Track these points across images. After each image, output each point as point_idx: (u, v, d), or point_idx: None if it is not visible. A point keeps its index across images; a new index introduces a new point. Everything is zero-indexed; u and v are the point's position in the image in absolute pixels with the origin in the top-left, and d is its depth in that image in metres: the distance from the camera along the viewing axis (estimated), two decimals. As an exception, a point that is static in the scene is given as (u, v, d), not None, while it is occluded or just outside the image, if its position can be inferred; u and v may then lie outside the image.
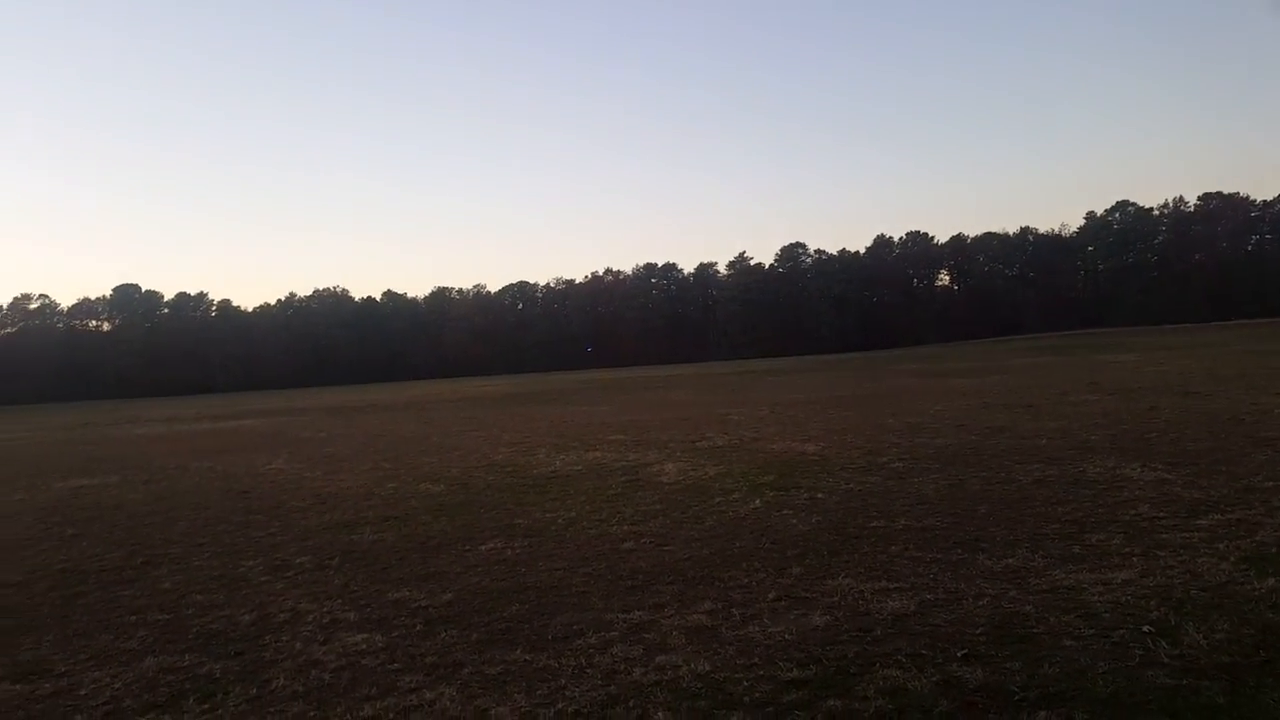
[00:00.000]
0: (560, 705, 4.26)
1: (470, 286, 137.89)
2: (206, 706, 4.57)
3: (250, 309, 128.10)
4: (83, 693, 4.89)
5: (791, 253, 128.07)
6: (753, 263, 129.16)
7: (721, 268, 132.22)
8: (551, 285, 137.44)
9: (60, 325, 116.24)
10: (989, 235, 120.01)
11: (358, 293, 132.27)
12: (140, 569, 8.03)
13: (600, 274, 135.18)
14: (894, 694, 4.14)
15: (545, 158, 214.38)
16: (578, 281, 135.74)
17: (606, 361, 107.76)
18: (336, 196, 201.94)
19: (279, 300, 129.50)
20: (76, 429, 34.26)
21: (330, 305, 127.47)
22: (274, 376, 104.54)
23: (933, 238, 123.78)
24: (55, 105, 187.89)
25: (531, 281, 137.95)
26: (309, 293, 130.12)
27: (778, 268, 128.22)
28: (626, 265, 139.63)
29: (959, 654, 4.60)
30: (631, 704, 4.22)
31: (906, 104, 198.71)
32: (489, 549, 7.97)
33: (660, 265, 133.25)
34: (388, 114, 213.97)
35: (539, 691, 4.45)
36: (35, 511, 12.00)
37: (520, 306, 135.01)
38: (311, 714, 4.38)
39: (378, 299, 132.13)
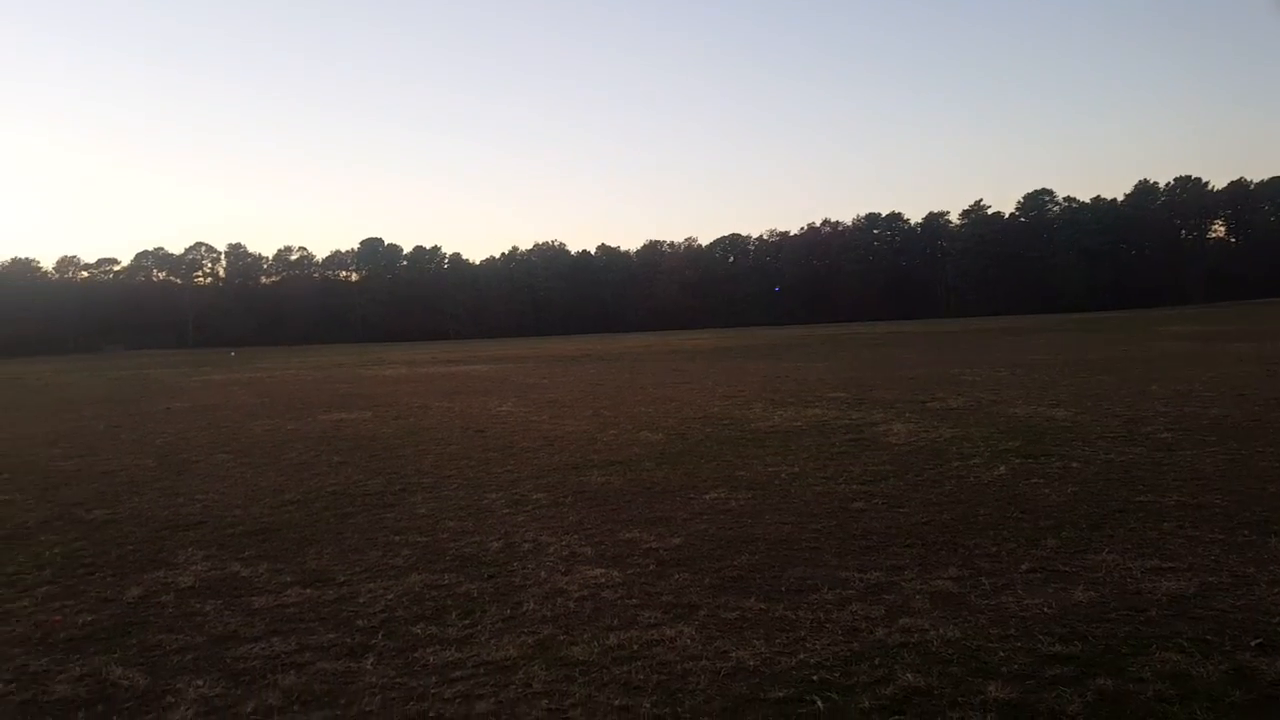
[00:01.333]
0: (801, 656, 4.29)
1: (681, 240, 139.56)
2: (467, 622, 5.04)
3: (478, 261, 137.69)
4: (361, 601, 5.54)
5: (1036, 200, 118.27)
6: (990, 211, 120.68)
7: (954, 217, 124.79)
8: (764, 238, 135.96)
9: (316, 275, 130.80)
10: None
11: (574, 246, 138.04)
12: (398, 495, 8.96)
13: (817, 225, 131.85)
14: (1175, 679, 3.79)
15: (760, 102, 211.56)
16: (792, 233, 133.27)
17: (822, 317, 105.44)
18: (556, 151, 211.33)
19: (503, 254, 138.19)
20: (331, 369, 38.59)
21: (548, 258, 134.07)
22: (497, 325, 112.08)
23: (1207, 183, 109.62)
24: (322, 95, 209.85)
25: (743, 234, 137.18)
26: (529, 246, 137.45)
27: (1019, 217, 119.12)
28: (846, 215, 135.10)
29: (1252, 643, 4.13)
30: (877, 662, 4.16)
31: (1177, 20, 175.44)
32: (712, 498, 8.14)
33: (884, 215, 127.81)
34: (607, 69, 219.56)
35: (778, 640, 4.51)
36: (305, 440, 13.68)
37: (731, 260, 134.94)
38: (561, 637, 4.72)
39: (592, 252, 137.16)
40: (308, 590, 5.80)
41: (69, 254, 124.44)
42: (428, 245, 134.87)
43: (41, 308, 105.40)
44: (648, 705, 3.83)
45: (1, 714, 4.00)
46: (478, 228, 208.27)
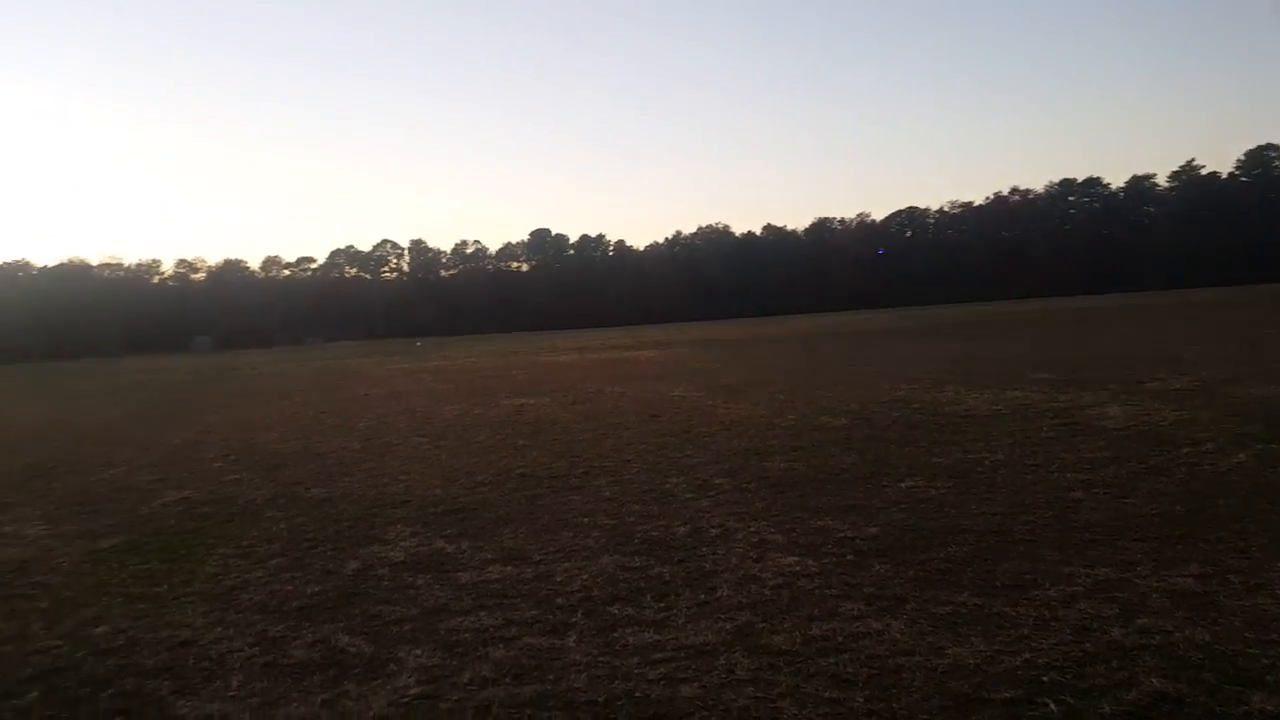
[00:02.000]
0: (1027, 655, 4.04)
1: (853, 215, 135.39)
2: (663, 605, 5.11)
3: (642, 248, 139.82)
4: (558, 579, 5.75)
5: (1260, 158, 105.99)
6: (1204, 172, 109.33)
7: (1161, 180, 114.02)
8: (945, 209, 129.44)
9: (490, 267, 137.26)
10: None
11: (738, 228, 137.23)
12: (582, 478, 9.23)
13: (1004, 194, 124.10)
14: None
15: (934, 58, 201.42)
16: (976, 203, 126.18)
17: (1013, 292, 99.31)
18: (717, 132, 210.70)
19: (666, 238, 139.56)
20: (508, 356, 40.38)
21: (712, 241, 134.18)
22: (662, 310, 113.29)
23: None
24: (488, 94, 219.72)
25: (921, 206, 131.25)
26: (693, 230, 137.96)
27: (1239, 177, 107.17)
28: (1036, 182, 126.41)
29: None
30: (1114, 664, 3.86)
31: None
32: (908, 486, 7.83)
33: (1080, 180, 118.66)
34: (767, 40, 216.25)
35: (999, 638, 4.27)
36: (491, 424, 14.37)
37: (909, 234, 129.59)
38: (760, 625, 4.69)
39: (757, 233, 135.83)
40: (507, 568, 6.08)
41: (272, 254, 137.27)
42: (593, 234, 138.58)
43: (249, 304, 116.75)
44: (860, 700, 3.73)
45: (249, 675, 4.44)
46: (641, 214, 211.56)
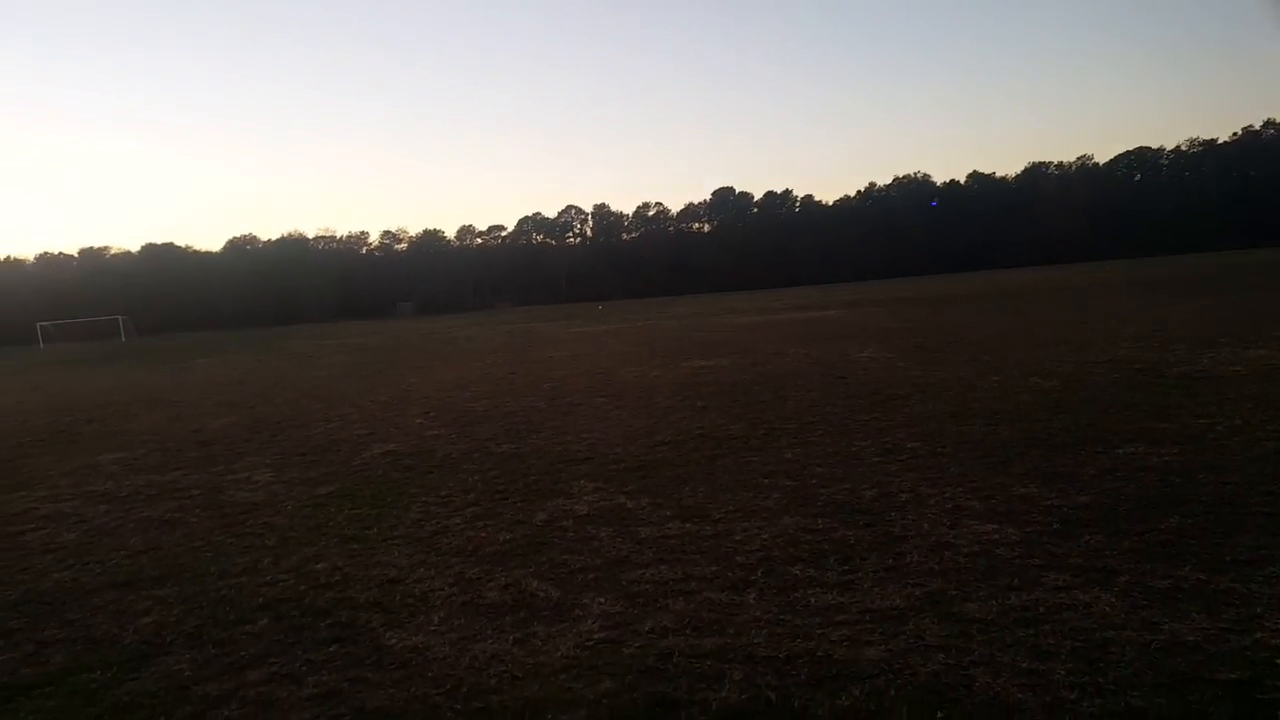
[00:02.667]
0: (1258, 635, 3.72)
1: (1073, 159, 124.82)
2: (847, 568, 5.06)
3: (830, 203, 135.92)
4: (738, 538, 5.81)
5: None
6: None
7: None
8: (1182, 148, 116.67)
9: (671, 229, 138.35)
10: None
11: (939, 177, 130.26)
12: (763, 440, 9.22)
13: (1256, 129, 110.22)
14: None
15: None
16: (1220, 140, 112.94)
17: (1266, 239, 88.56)
18: (914, 69, 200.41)
19: (858, 192, 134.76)
20: (687, 318, 40.69)
21: (910, 192, 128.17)
22: (851, 268, 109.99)
23: None
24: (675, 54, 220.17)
25: (1153, 146, 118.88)
26: (888, 181, 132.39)
27: None
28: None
29: None
30: None
31: None
32: (1127, 453, 7.28)
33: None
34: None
35: (1225, 616, 3.94)
36: (670, 386, 14.59)
37: (1138, 178, 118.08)
38: (953, 592, 4.55)
39: (961, 181, 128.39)
40: (687, 525, 6.21)
41: (466, 223, 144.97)
42: (778, 190, 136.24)
43: (445, 271, 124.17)
44: (1062, 672, 3.57)
45: (449, 612, 4.81)
46: (831, 167, 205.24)
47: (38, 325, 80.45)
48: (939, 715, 3.36)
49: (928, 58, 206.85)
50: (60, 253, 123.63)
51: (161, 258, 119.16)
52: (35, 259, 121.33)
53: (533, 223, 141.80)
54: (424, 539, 6.33)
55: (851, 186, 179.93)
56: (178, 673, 4.26)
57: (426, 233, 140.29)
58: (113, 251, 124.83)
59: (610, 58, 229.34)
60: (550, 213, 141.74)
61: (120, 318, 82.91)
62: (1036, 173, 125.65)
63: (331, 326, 75.54)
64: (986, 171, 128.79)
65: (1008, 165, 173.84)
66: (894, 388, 12.19)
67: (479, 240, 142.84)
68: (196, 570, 5.96)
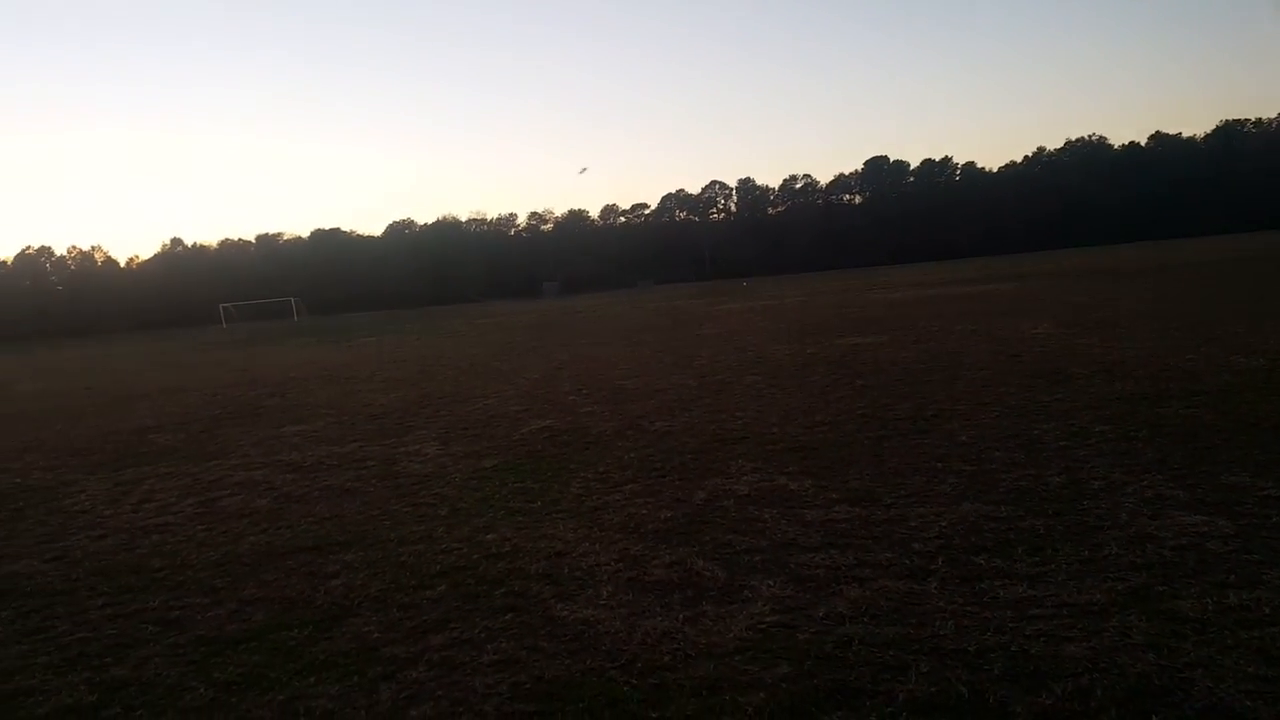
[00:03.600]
0: None
1: (1272, 115, 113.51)
2: (1037, 559, 4.79)
3: (995, 169, 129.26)
4: (912, 524, 5.61)
5: None
6: None
7: None
8: None
9: (819, 201, 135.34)
10: None
11: (1117, 139, 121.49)
12: (931, 421, 8.87)
13: None
14: None
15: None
16: None
17: None
18: (1090, 24, 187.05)
19: (1025, 157, 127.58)
20: (838, 294, 39.77)
21: (1083, 156, 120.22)
22: (1020, 238, 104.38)
23: None
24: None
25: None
26: (1059, 145, 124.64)
27: None
28: None
29: None
30: None
31: None
32: None
33: None
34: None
35: None
36: (825, 364, 14.29)
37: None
38: (1160, 588, 4.24)
39: (1142, 143, 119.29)
40: (855, 509, 6.05)
41: (610, 202, 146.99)
42: (936, 158, 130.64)
43: (589, 251, 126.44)
44: (1299, 681, 3.25)
45: (616, 587, 4.88)
46: (994, 131, 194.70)
47: (220, 306, 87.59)
48: (1153, 719, 3.13)
49: (1099, 6, 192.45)
50: (239, 239, 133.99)
51: (328, 242, 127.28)
52: (218, 245, 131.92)
53: (676, 200, 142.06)
54: (586, 514, 6.46)
55: (1018, 151, 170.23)
56: (366, 634, 4.52)
57: (571, 213, 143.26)
58: (285, 237, 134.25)
59: (753, 25, 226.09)
60: (694, 189, 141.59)
61: (293, 299, 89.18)
62: (1230, 131, 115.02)
63: (482, 306, 78.47)
64: (1171, 132, 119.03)
65: (1195, 124, 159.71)
66: (1076, 366, 11.48)
67: (622, 219, 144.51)
68: (377, 537, 6.32)
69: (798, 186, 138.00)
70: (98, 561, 6.31)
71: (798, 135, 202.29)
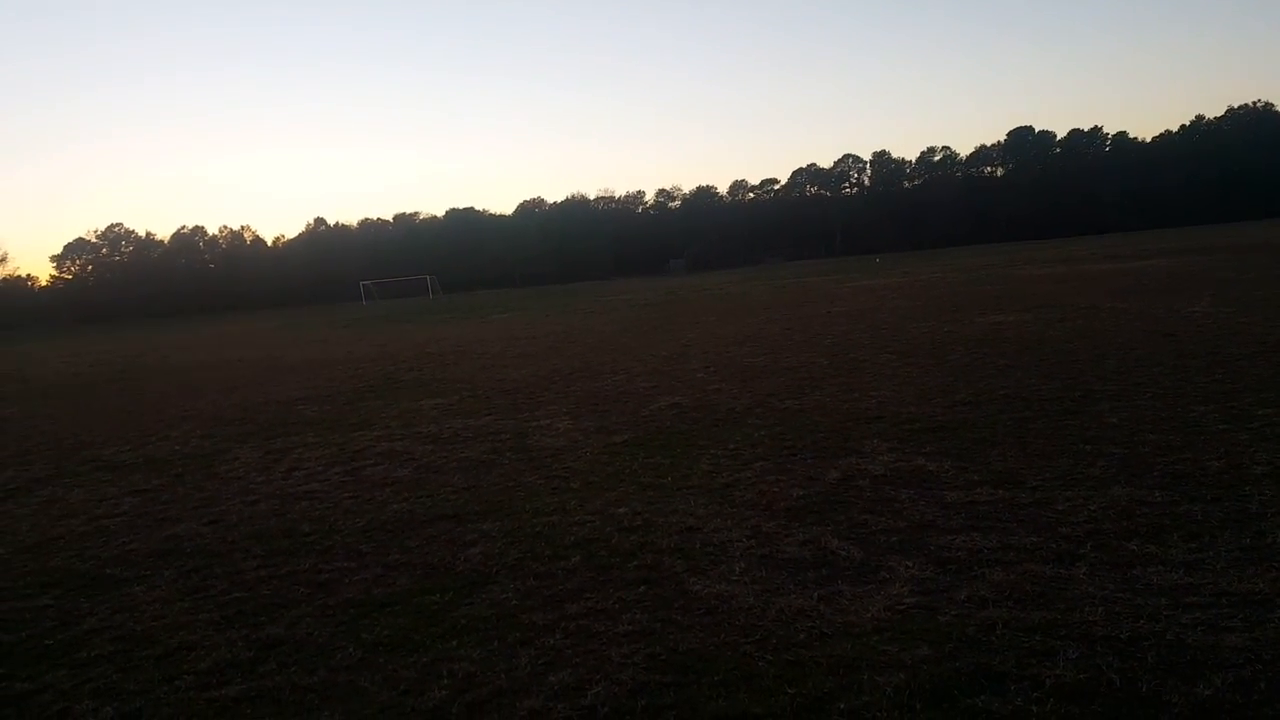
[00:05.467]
0: None
1: None
2: (1194, 546, 4.55)
3: (1148, 139, 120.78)
4: (1060, 508, 5.40)
5: None
6: None
7: None
8: None
9: (959, 174, 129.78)
10: None
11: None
12: (1079, 402, 8.47)
13: None
14: None
15: None
16: None
17: None
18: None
19: (1182, 126, 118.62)
20: (979, 270, 38.16)
21: (1247, 125, 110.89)
22: (1177, 212, 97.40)
23: None
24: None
25: None
26: (1220, 113, 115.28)
27: None
28: None
29: None
30: None
31: None
32: None
33: None
34: None
35: None
36: (965, 342, 13.80)
37: None
38: (1338, 584, 3.95)
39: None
40: (998, 491, 5.88)
41: (739, 178, 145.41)
42: (1085, 128, 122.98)
43: (717, 228, 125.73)
44: None
45: (749, 564, 4.92)
46: (1149, 98, 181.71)
47: (361, 283, 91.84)
48: None
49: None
50: (379, 218, 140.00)
51: (462, 221, 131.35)
52: (358, 225, 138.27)
53: (807, 175, 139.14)
54: (717, 490, 6.51)
55: (1174, 121, 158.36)
56: (505, 601, 4.71)
57: (699, 189, 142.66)
58: (422, 217, 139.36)
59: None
60: (825, 163, 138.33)
61: (429, 276, 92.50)
62: None
63: (609, 284, 79.44)
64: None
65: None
66: (1238, 346, 10.71)
67: (751, 195, 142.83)
68: (512, 508, 6.55)
69: (936, 159, 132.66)
70: (252, 526, 6.76)
71: (937, 105, 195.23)
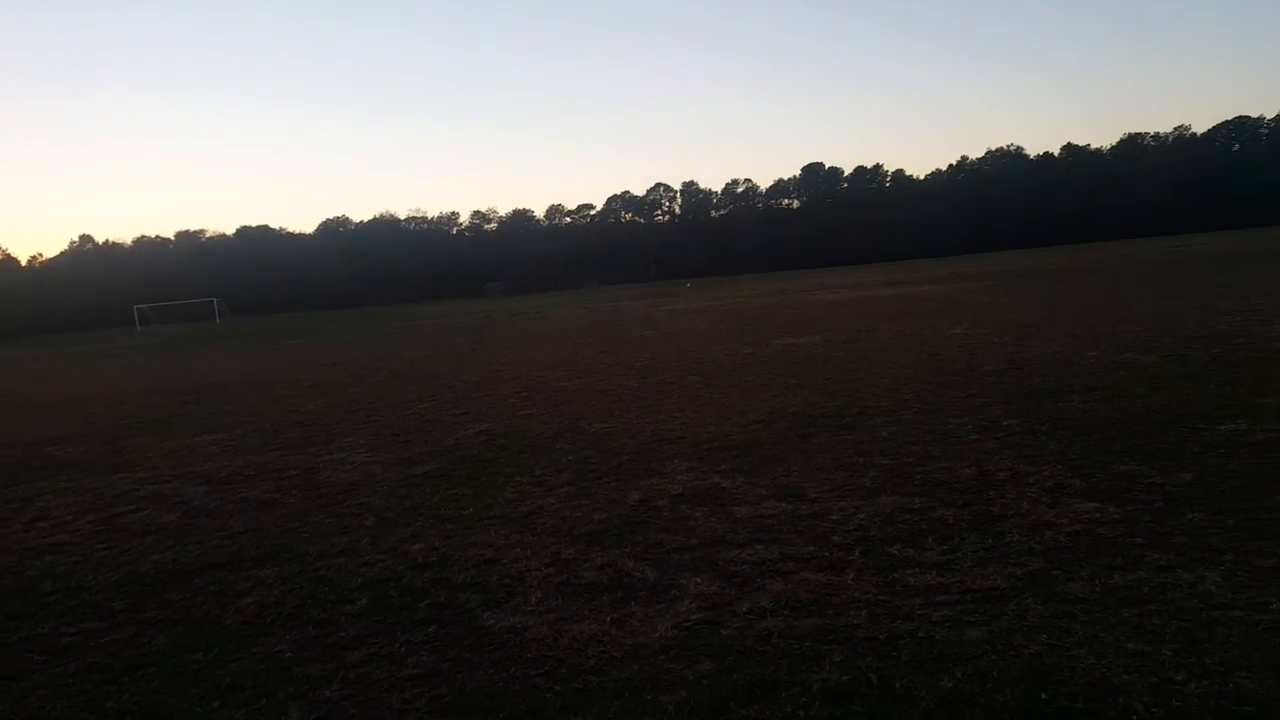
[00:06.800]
0: (1370, 613, 3.56)
1: (1169, 130, 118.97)
2: (945, 547, 4.95)
3: (922, 176, 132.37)
4: (834, 518, 5.73)
5: None
6: None
7: None
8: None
9: (760, 205, 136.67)
10: None
11: (1033, 149, 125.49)
12: (856, 418, 9.06)
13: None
14: None
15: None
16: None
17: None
18: (1007, 37, 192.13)
19: (950, 165, 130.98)
20: (776, 295, 40.24)
21: (1003, 165, 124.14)
22: (943, 243, 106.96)
23: None
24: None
25: (1253, 115, 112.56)
26: (980, 154, 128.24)
27: None
28: None
29: None
30: None
31: None
32: (1229, 430, 7.01)
33: None
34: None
35: (1335, 593, 3.79)
36: (761, 364, 14.47)
37: (1236, 148, 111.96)
38: (1055, 572, 4.42)
39: (1055, 154, 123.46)
40: (782, 504, 6.16)
41: (555, 203, 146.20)
42: (869, 164, 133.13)
43: (534, 251, 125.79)
44: (1168, 653, 3.47)
45: (546, 593, 4.88)
46: (922, 140, 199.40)
47: (135, 308, 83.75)
48: (1043, 696, 3.27)
49: (1017, 28, 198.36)
50: (158, 236, 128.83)
51: (256, 239, 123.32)
52: (134, 242, 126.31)
53: (622, 201, 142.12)
54: (519, 519, 6.43)
55: (943, 160, 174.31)
56: (278, 653, 4.35)
57: (516, 212, 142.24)
58: (208, 235, 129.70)
59: (700, 34, 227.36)
60: (639, 191, 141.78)
61: (215, 299, 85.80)
62: (1133, 144, 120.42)
63: (422, 307, 77.46)
64: (1081, 143, 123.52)
65: (1103, 137, 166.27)
66: (989, 364, 11.84)
67: (568, 219, 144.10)
68: (295, 551, 6.09)
69: (739, 190, 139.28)
70: (-23, 588, 5.87)
71: (739, 140, 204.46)
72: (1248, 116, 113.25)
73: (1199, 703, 3.13)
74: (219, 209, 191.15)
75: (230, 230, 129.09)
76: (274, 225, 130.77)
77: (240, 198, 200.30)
